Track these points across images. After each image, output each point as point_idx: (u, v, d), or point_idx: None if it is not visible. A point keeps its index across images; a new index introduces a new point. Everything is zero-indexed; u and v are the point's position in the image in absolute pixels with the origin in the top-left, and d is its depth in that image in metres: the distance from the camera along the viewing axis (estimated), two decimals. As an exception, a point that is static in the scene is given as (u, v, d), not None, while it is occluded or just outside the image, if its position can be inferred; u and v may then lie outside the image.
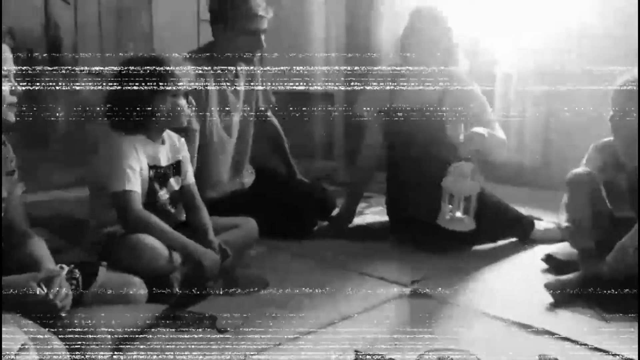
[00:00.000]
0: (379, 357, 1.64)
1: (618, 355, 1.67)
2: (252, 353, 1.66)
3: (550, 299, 2.02)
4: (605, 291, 1.98)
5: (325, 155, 4.12)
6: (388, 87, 2.67)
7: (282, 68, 2.85)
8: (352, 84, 3.60)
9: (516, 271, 2.35)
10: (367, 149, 2.80)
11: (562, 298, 2.02)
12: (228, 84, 2.63)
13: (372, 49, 3.66)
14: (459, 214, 2.29)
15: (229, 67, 2.62)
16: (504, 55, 3.55)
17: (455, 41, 2.63)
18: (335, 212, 2.85)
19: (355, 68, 3.44)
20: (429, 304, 2.02)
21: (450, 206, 2.31)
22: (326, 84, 3.90)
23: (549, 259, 2.35)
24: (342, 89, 3.97)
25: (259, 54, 2.66)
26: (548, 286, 2.06)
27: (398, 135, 2.68)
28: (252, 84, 2.72)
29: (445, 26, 2.60)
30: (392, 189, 2.76)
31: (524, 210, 2.71)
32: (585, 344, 1.74)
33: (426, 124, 2.60)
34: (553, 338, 1.79)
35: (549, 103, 3.51)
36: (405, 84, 2.64)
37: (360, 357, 1.65)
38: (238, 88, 2.66)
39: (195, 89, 2.22)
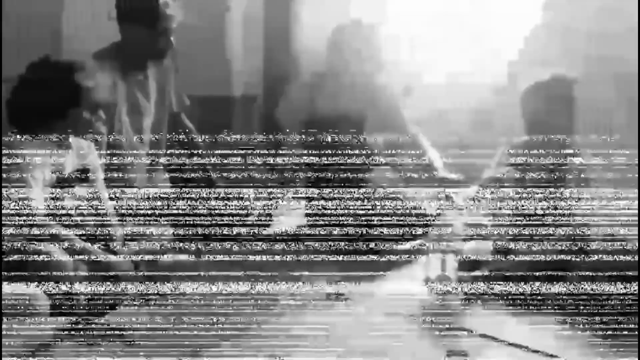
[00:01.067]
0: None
1: (527, 347, 1.74)
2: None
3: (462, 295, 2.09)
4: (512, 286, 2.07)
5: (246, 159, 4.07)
6: (310, 95, 2.70)
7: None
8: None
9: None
10: (287, 149, 2.80)
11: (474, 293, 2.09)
12: (138, 85, 2.56)
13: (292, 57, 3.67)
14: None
15: (138, 68, 2.55)
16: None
17: (384, 55, 2.69)
18: (253, 215, 2.82)
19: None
20: (346, 306, 2.04)
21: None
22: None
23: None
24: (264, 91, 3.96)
25: (170, 56, 2.60)
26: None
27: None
28: (163, 86, 2.66)
29: (373, 41, 2.66)
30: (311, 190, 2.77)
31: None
32: (495, 338, 1.79)
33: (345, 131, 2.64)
34: (462, 334, 1.84)
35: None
36: (329, 91, 2.69)
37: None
38: (148, 90, 2.59)
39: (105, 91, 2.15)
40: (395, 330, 1.87)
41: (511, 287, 2.04)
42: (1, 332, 1.42)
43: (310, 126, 2.70)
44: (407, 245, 2.62)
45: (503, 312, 2.00)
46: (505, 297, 2.04)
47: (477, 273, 2.15)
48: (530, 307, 1.99)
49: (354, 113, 2.67)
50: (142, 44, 2.46)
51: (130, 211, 2.38)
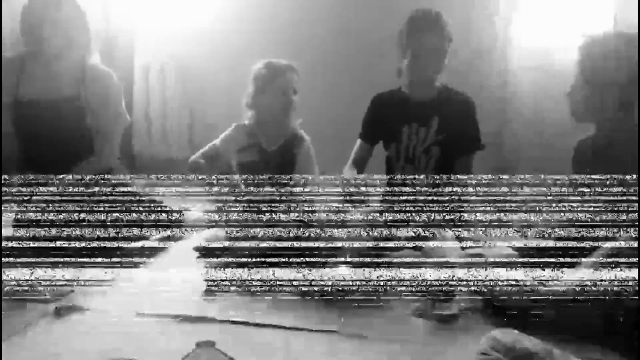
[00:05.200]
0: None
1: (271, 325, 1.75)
2: None
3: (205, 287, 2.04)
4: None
5: None
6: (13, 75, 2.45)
7: None
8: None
9: (171, 265, 2.30)
10: None
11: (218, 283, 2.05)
12: None
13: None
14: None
15: None
16: (145, 47, 3.47)
17: (91, 29, 2.48)
18: None
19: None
20: (79, 316, 1.83)
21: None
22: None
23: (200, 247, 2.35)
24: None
25: None
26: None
27: (32, 129, 2.46)
28: None
29: (76, 10, 2.43)
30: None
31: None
32: (242, 322, 1.78)
33: (65, 116, 2.45)
34: (210, 323, 1.78)
35: (191, 97, 3.57)
36: (34, 71, 2.43)
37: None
38: None
39: None
40: (141, 331, 1.73)
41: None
42: (1, 336, 1.49)
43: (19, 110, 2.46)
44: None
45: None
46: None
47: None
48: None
49: (70, 93, 2.47)
50: None
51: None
